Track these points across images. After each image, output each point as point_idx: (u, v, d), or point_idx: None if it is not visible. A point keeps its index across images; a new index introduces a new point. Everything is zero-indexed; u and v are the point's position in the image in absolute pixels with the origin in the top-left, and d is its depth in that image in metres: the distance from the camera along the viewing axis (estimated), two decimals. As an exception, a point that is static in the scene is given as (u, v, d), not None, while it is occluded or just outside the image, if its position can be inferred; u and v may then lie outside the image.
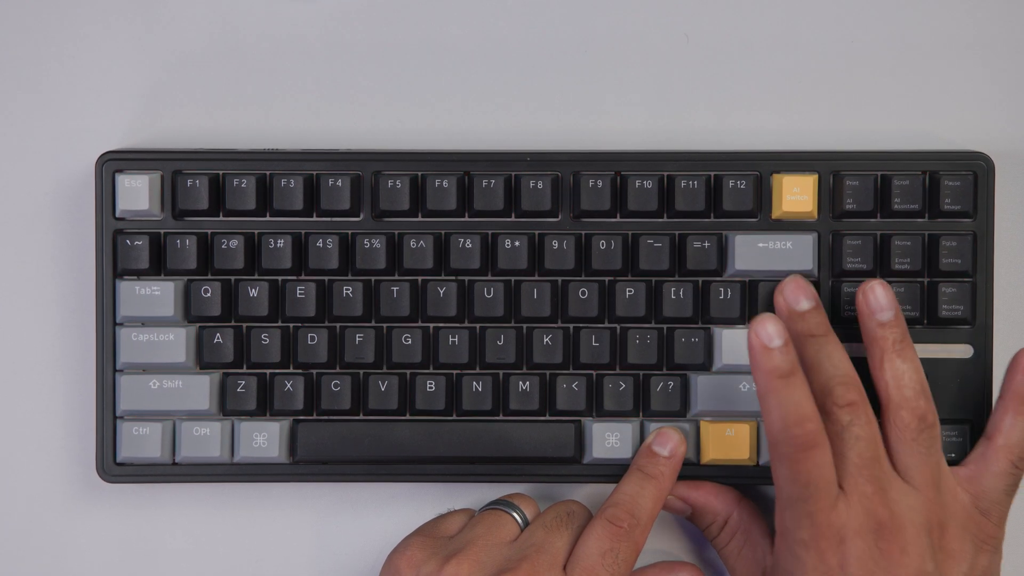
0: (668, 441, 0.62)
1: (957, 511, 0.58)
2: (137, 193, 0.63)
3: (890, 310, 0.59)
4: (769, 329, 0.56)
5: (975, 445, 0.61)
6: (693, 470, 0.63)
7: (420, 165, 0.63)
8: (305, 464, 0.64)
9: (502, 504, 0.62)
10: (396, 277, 0.64)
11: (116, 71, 0.67)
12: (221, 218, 0.64)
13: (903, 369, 0.58)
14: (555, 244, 0.63)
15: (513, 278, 0.63)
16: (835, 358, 0.58)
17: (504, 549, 0.59)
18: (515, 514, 0.61)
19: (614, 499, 0.60)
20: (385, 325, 0.64)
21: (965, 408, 0.63)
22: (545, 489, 0.66)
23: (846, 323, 0.62)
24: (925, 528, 0.57)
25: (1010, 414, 0.60)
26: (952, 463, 0.61)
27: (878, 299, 0.59)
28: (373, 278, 0.64)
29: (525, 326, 0.63)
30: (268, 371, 0.64)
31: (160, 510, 0.66)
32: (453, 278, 0.63)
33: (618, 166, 0.63)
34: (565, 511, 0.61)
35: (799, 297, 0.59)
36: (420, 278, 0.64)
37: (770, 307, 0.62)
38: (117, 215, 0.63)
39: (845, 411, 0.57)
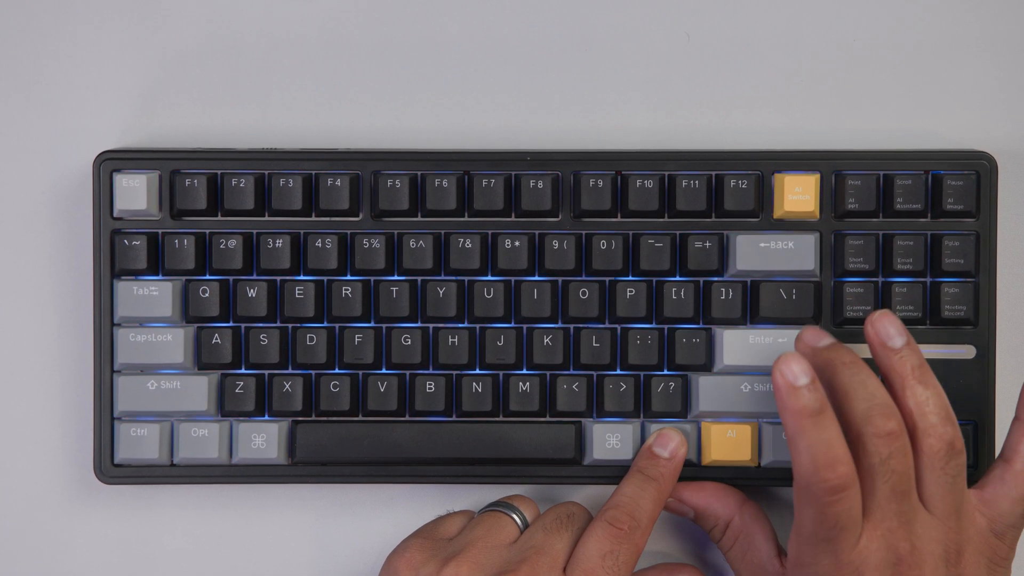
0: (668, 442, 0.61)
1: (973, 536, 0.57)
2: (135, 193, 0.63)
3: (901, 336, 0.57)
4: (794, 367, 0.55)
5: (991, 466, 0.60)
6: (694, 471, 0.63)
7: (419, 164, 0.63)
8: (304, 465, 0.63)
9: (501, 506, 0.62)
10: (395, 277, 0.63)
11: (113, 70, 0.66)
12: (219, 218, 0.63)
13: (926, 396, 0.57)
14: (555, 244, 0.63)
15: (513, 278, 0.63)
16: (870, 384, 0.56)
17: (503, 551, 0.59)
18: (515, 516, 0.61)
19: (614, 501, 0.60)
20: (384, 325, 0.63)
21: (968, 409, 0.63)
22: (545, 490, 0.66)
23: (850, 323, 0.62)
24: (943, 558, 0.56)
25: None
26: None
27: (887, 328, 0.57)
28: (372, 278, 0.63)
29: (525, 326, 0.63)
30: (267, 372, 0.63)
31: (158, 511, 0.66)
32: (453, 278, 0.63)
33: (619, 165, 0.63)
34: (565, 513, 0.61)
35: (819, 337, 0.58)
36: (420, 278, 0.63)
37: (772, 307, 0.62)
38: (115, 215, 0.63)
39: (884, 442, 0.55)
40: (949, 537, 0.57)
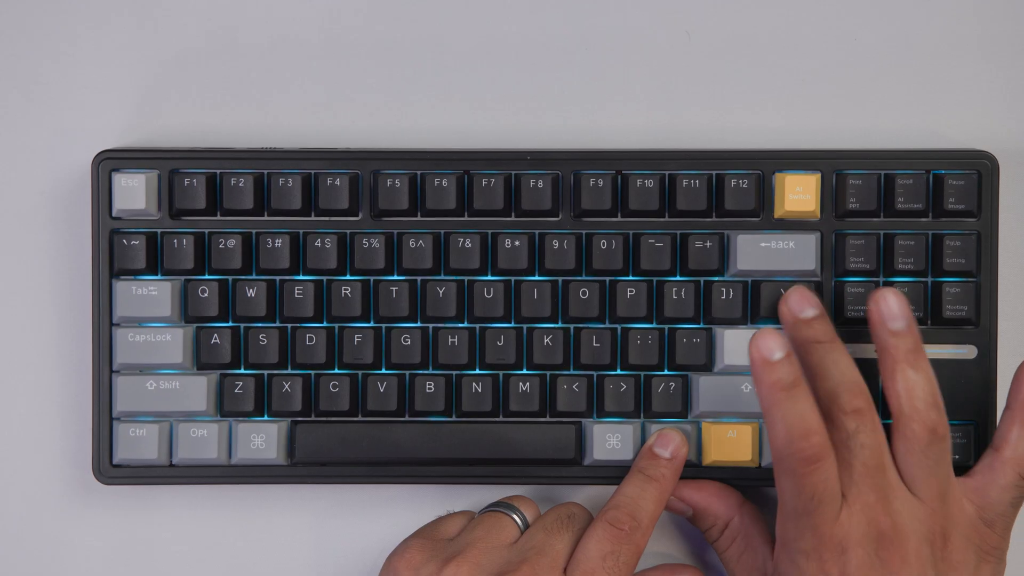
0: (669, 443, 0.61)
1: (961, 521, 0.58)
2: (134, 192, 0.62)
3: (902, 319, 0.58)
4: (770, 342, 0.56)
5: (982, 455, 0.60)
6: (695, 471, 0.63)
7: (419, 164, 0.63)
8: (303, 466, 0.63)
9: (502, 506, 0.61)
10: (395, 277, 0.63)
11: (112, 69, 0.66)
12: (218, 217, 0.63)
13: (915, 380, 0.57)
14: (555, 243, 0.63)
15: (513, 278, 0.63)
16: (841, 364, 0.57)
17: (504, 551, 0.59)
18: (515, 516, 0.61)
19: (615, 501, 0.60)
20: (384, 325, 0.63)
21: (969, 409, 0.63)
22: (545, 491, 0.65)
23: (850, 323, 0.62)
24: (927, 538, 0.56)
25: (1017, 425, 0.59)
26: (956, 465, 0.60)
27: (890, 308, 0.58)
28: (372, 278, 0.63)
29: (525, 326, 0.63)
30: (266, 372, 0.63)
31: (157, 512, 0.66)
32: (453, 278, 0.63)
33: (619, 165, 0.63)
34: (566, 513, 0.60)
35: (803, 305, 0.59)
36: (419, 278, 0.63)
37: (773, 307, 0.62)
38: (113, 214, 0.63)
39: (851, 418, 0.56)
40: (933, 519, 0.57)
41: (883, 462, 0.57)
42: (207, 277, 0.63)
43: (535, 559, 0.57)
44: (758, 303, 0.62)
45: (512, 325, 0.63)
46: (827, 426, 0.56)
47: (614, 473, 0.63)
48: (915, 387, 0.57)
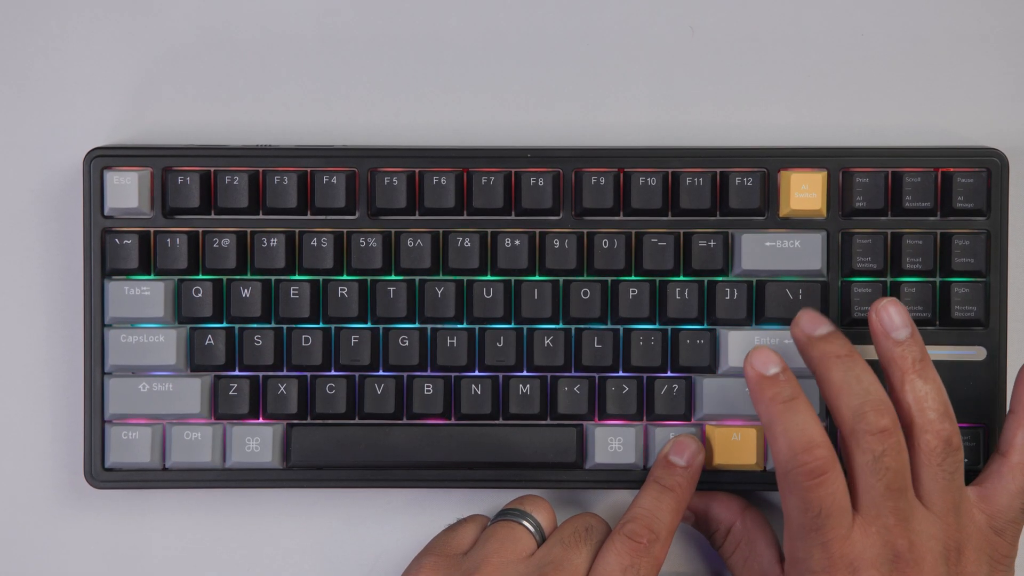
0: (685, 450, 0.60)
1: (973, 533, 0.57)
2: (126, 190, 0.62)
3: (906, 328, 0.57)
4: (765, 357, 0.56)
5: (988, 461, 0.60)
6: (698, 475, 0.62)
7: (418, 162, 0.63)
8: (299, 469, 0.63)
9: (515, 514, 0.60)
10: (393, 277, 0.63)
11: (104, 65, 0.66)
12: (212, 216, 0.63)
13: (926, 390, 0.57)
14: (556, 243, 0.62)
15: (513, 278, 0.63)
16: (865, 380, 0.56)
17: (520, 566, 0.58)
18: (528, 524, 0.60)
19: (632, 514, 0.59)
20: (381, 326, 0.63)
21: (978, 412, 0.62)
22: (546, 495, 0.65)
23: (857, 324, 0.62)
24: (943, 555, 0.56)
25: (1023, 429, 0.58)
26: (966, 469, 0.59)
27: (892, 318, 0.57)
28: (369, 278, 0.63)
29: (525, 327, 0.63)
30: (261, 373, 0.63)
31: (150, 516, 0.66)
32: (451, 278, 0.63)
33: (621, 163, 0.62)
34: (583, 525, 0.60)
35: (816, 324, 0.58)
36: (417, 278, 0.63)
37: (778, 307, 0.62)
38: (105, 213, 0.63)
39: (877, 439, 0.55)
40: (948, 535, 0.56)
41: (906, 484, 0.56)
42: (201, 277, 0.63)
43: (553, 574, 0.57)
44: (763, 303, 0.62)
45: (512, 326, 0.63)
46: (849, 445, 0.56)
47: (616, 477, 0.62)
48: (926, 398, 0.57)
